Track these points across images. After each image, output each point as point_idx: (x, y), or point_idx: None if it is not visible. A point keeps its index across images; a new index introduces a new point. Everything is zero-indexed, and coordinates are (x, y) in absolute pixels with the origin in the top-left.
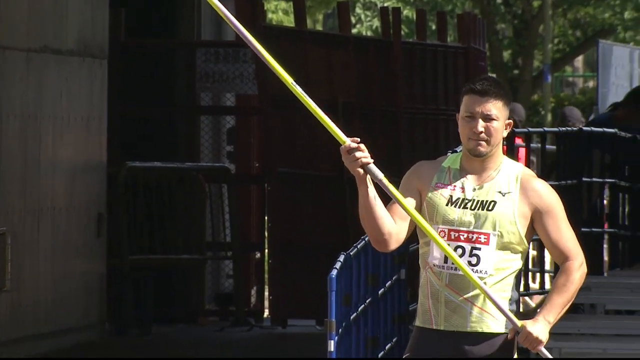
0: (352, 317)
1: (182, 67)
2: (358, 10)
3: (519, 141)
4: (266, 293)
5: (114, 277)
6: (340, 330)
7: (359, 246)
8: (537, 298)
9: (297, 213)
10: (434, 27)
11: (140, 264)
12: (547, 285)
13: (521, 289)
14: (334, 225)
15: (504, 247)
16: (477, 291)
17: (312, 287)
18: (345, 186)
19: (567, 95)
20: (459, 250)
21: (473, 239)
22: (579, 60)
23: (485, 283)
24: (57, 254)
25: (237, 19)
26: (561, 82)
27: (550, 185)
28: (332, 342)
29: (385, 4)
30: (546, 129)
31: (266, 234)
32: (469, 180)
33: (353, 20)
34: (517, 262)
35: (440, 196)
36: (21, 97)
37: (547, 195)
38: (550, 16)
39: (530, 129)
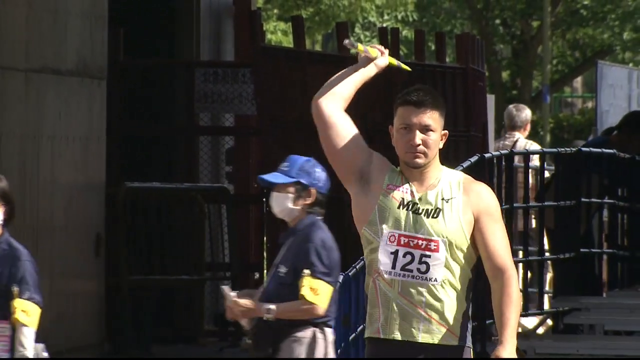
0: (350, 338)
1: (181, 87)
2: (357, 30)
3: (518, 161)
4: None
5: (112, 298)
6: (339, 350)
7: (357, 267)
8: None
9: None
10: (432, 47)
11: (139, 284)
12: (546, 306)
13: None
14: None
15: (453, 254)
16: (430, 299)
17: None
18: (345, 208)
19: (566, 116)
20: (408, 257)
21: (422, 246)
22: (578, 81)
23: (438, 292)
24: (55, 274)
25: (236, 39)
26: (560, 102)
27: (549, 205)
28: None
29: (384, 25)
30: (545, 149)
31: (265, 254)
32: (415, 188)
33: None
34: (466, 272)
35: (392, 199)
36: (20, 117)
37: (487, 197)
38: (549, 37)
39: (530, 150)
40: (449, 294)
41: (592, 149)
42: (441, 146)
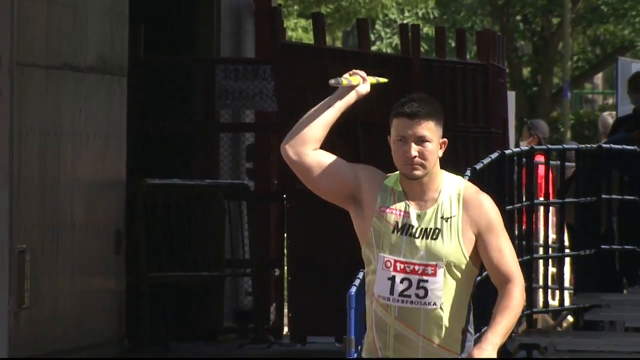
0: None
1: (202, 84)
2: (378, 27)
3: (539, 158)
4: (285, 310)
5: (132, 294)
6: (359, 347)
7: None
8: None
9: (316, 230)
10: (453, 44)
11: (159, 281)
12: (567, 303)
13: (540, 305)
14: (353, 243)
15: (452, 276)
16: (429, 323)
17: (331, 304)
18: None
19: (586, 112)
20: (406, 283)
21: (420, 271)
22: (599, 77)
23: (437, 315)
24: (75, 271)
25: (256, 36)
26: (580, 99)
27: (569, 201)
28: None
29: (405, 21)
30: (565, 145)
31: (285, 251)
32: (413, 205)
33: (373, 37)
34: (467, 289)
35: (386, 223)
36: (40, 114)
37: (487, 212)
38: (569, 33)
39: (550, 146)
40: (448, 316)
41: (612, 146)
42: (440, 155)
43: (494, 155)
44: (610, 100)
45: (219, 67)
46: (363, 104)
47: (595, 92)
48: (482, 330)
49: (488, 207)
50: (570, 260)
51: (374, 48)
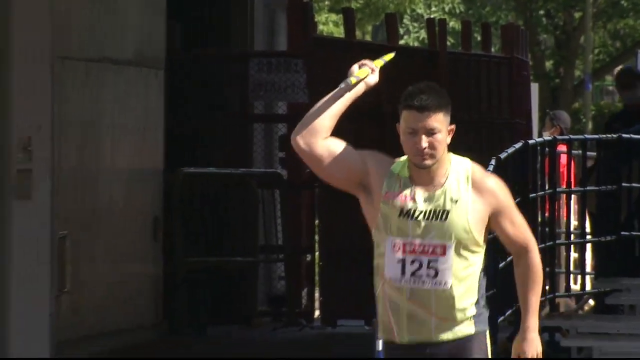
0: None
1: (236, 77)
2: (406, 21)
3: (561, 148)
4: (317, 294)
5: (169, 279)
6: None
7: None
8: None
9: (346, 217)
10: (478, 38)
11: (195, 266)
12: (588, 287)
13: (562, 290)
14: None
15: (461, 255)
16: (441, 302)
17: (361, 289)
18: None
19: (607, 104)
20: (416, 264)
21: (429, 251)
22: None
23: (448, 294)
24: (115, 257)
25: (288, 30)
26: (601, 90)
27: (591, 190)
28: (380, 341)
29: (432, 16)
30: (587, 136)
31: (316, 237)
32: (420, 189)
33: (401, 31)
34: (477, 265)
35: (392, 207)
36: (80, 106)
37: (501, 193)
38: (590, 27)
39: (572, 136)
40: (460, 292)
41: (632, 136)
42: (449, 141)
43: (518, 145)
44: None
45: (252, 61)
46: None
47: (613, 84)
48: (507, 313)
49: (497, 188)
50: (592, 246)
51: (402, 42)
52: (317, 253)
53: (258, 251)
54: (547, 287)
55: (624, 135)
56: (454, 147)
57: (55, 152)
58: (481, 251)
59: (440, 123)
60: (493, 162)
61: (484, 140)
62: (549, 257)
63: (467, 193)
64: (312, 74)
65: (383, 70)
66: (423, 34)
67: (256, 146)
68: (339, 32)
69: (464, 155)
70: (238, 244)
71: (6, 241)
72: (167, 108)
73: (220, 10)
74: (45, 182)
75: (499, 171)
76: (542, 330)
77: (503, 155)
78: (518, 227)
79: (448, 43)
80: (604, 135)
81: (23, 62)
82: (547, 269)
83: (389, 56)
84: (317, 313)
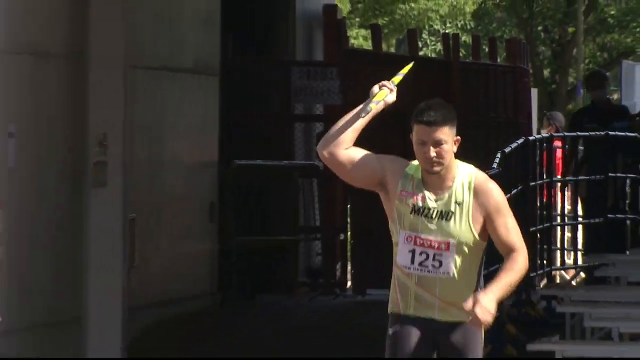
0: None
1: (280, 82)
2: (424, 36)
3: (557, 143)
4: (349, 267)
5: (223, 255)
6: None
7: None
8: (571, 272)
9: (374, 201)
10: (486, 49)
11: (245, 244)
12: (579, 262)
13: (558, 264)
14: None
15: (463, 251)
16: (444, 289)
17: (387, 262)
18: None
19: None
20: (424, 255)
21: (435, 246)
22: None
23: (451, 282)
24: (176, 237)
25: (325, 43)
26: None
27: (581, 179)
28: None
29: (447, 31)
30: (579, 133)
31: (348, 219)
32: (430, 191)
33: (420, 44)
34: (477, 260)
35: (405, 205)
36: (147, 107)
37: (496, 197)
38: (582, 41)
39: (566, 134)
40: (461, 282)
41: (617, 133)
42: (455, 150)
43: (520, 141)
44: (615, 96)
45: (294, 69)
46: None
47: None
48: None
49: (495, 193)
50: (583, 227)
51: (420, 53)
52: (349, 232)
53: (299, 231)
54: (544, 262)
55: (610, 133)
56: (469, 144)
57: (126, 147)
58: (481, 248)
59: (447, 135)
60: (499, 155)
61: (492, 137)
62: (546, 236)
63: (469, 196)
64: (345, 80)
65: (406, 78)
66: (439, 46)
67: (297, 142)
68: (368, 45)
69: (475, 150)
70: (282, 225)
71: (85, 224)
72: (221, 109)
73: (266, 26)
74: (118, 172)
75: (505, 163)
76: (541, 298)
77: (507, 150)
78: (510, 230)
79: (460, 54)
80: (594, 133)
81: (99, 69)
82: (545, 246)
83: (407, 68)
84: (349, 284)
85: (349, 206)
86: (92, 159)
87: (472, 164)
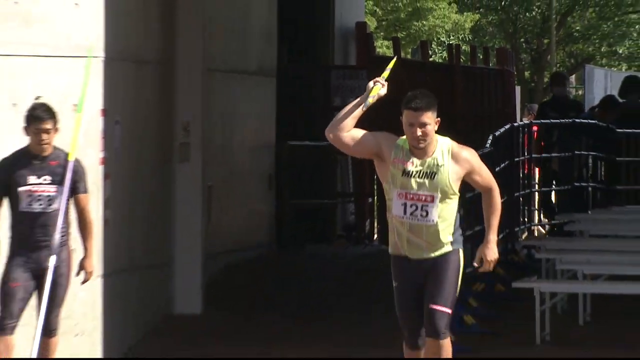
0: None
1: (322, 81)
2: (433, 46)
3: (535, 128)
4: (375, 224)
5: (279, 214)
6: None
7: None
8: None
9: None
10: (481, 56)
11: (297, 206)
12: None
13: (536, 221)
14: None
15: (444, 201)
16: (430, 232)
17: None
18: None
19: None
20: (414, 207)
21: (422, 199)
22: (573, 78)
23: (435, 227)
24: (243, 200)
25: (357, 51)
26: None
27: (555, 156)
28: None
29: (451, 42)
30: (552, 121)
31: (375, 186)
32: (417, 158)
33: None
34: (454, 207)
35: (398, 169)
36: (222, 102)
37: (472, 159)
38: (554, 50)
39: (541, 121)
40: (443, 226)
41: (582, 120)
42: (436, 129)
43: (507, 127)
44: (580, 92)
45: (333, 71)
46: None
47: (570, 86)
48: (476, 229)
49: (469, 156)
50: (555, 193)
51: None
52: (375, 196)
53: (337, 196)
54: (526, 220)
55: (576, 120)
56: (468, 128)
57: (204, 132)
58: (456, 198)
59: (429, 118)
60: (491, 137)
61: (486, 124)
62: (527, 200)
63: (448, 161)
64: (372, 80)
65: (419, 78)
66: (445, 54)
67: None
68: (390, 53)
69: (473, 132)
70: (324, 191)
71: (173, 190)
72: (277, 103)
73: (311, 38)
74: (198, 151)
75: (495, 143)
76: (523, 248)
77: (497, 133)
78: (484, 177)
79: (461, 60)
80: (564, 120)
81: (184, 72)
82: (526, 207)
83: (391, 64)
84: (375, 236)
85: (375, 177)
86: (178, 141)
87: (469, 144)
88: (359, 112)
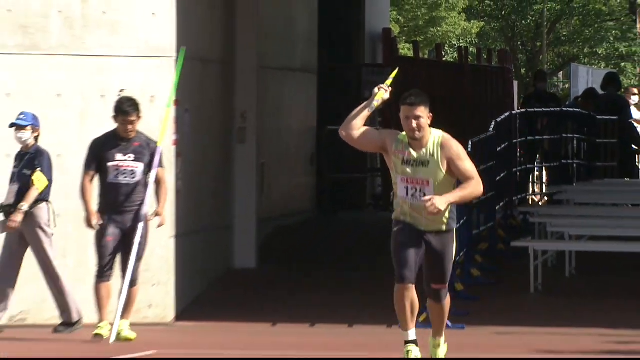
0: None
1: (355, 78)
2: (447, 48)
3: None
4: None
5: (319, 186)
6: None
7: None
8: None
9: None
10: (485, 57)
11: (334, 179)
12: (544, 190)
13: (530, 191)
14: None
15: (438, 185)
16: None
17: None
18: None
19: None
20: (414, 189)
21: (420, 183)
22: (561, 74)
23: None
24: (290, 175)
25: (383, 52)
26: (551, 85)
27: (547, 138)
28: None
29: (461, 45)
30: (543, 109)
31: None
32: (414, 149)
33: (443, 54)
34: (449, 191)
35: (398, 158)
36: (273, 94)
37: (454, 148)
38: (545, 51)
39: (535, 109)
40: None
41: (568, 109)
42: (429, 122)
43: (507, 114)
44: (567, 86)
45: (364, 69)
46: (437, 87)
47: (559, 81)
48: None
49: (453, 146)
50: (546, 169)
51: (444, 59)
52: None
53: (366, 171)
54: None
55: (564, 109)
56: (475, 116)
57: (259, 118)
58: (450, 181)
59: (423, 113)
60: (493, 123)
61: (489, 112)
62: (525, 175)
63: (438, 150)
64: (396, 76)
65: (435, 75)
66: (455, 55)
67: None
68: (410, 54)
69: (479, 120)
70: (356, 167)
71: (232, 167)
72: (319, 95)
73: (346, 41)
74: (253, 134)
75: (497, 128)
76: (520, 213)
77: (498, 120)
78: (465, 167)
79: (469, 60)
80: (552, 109)
81: (241, 70)
82: (524, 181)
83: (394, 74)
84: None
85: None
86: (237, 126)
87: (475, 129)
88: (366, 113)
